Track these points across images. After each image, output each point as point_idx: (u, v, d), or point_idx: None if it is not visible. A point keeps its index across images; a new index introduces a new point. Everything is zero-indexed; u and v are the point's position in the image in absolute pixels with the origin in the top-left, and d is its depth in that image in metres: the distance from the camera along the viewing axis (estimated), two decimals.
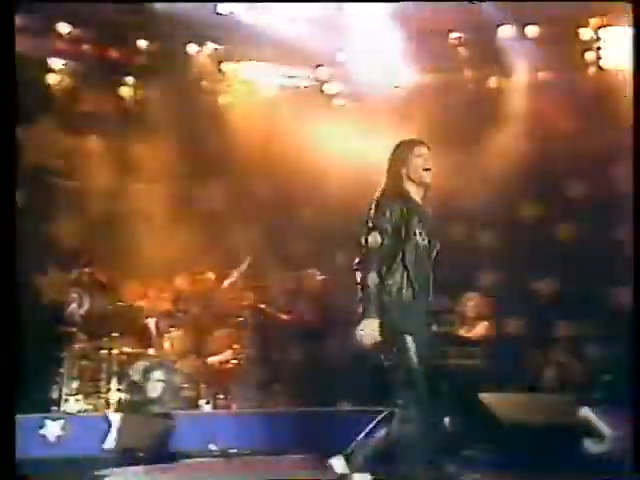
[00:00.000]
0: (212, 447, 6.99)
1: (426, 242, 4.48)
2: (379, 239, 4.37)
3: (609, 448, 7.55)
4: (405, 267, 4.37)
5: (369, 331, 4.23)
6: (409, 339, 4.28)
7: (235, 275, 8.04)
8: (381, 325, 4.31)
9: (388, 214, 4.38)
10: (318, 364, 8.16)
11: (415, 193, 4.49)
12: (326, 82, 9.75)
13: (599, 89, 9.74)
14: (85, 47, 8.76)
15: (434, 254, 4.52)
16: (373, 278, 4.24)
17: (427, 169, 4.46)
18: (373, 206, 4.43)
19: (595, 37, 9.68)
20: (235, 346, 7.70)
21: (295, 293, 8.36)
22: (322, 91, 9.73)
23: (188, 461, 6.82)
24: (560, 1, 8.70)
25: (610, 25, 9.60)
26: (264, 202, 9.22)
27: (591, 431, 7.63)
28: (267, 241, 9.05)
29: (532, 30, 9.64)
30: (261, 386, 7.61)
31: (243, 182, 9.05)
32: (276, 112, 9.58)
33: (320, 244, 9.29)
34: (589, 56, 9.77)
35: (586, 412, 7.65)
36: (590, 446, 7.49)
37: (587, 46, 9.71)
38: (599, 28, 9.65)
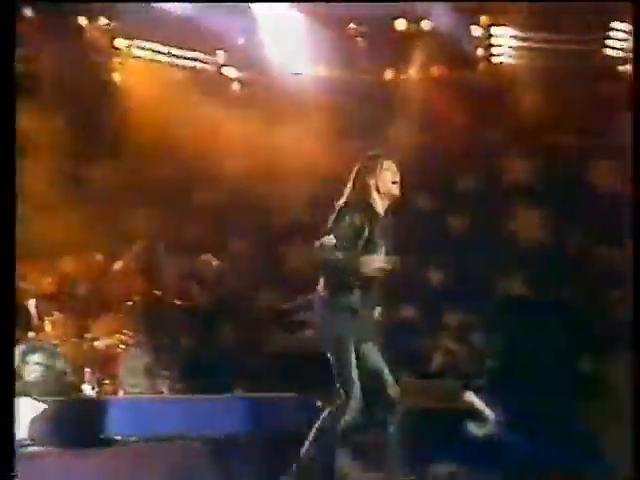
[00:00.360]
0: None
1: (380, 247, 4.65)
2: (333, 242, 4.49)
3: (492, 431, 7.86)
4: (360, 278, 4.54)
5: None
6: (351, 344, 4.57)
7: (126, 258, 7.93)
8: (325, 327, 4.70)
9: (348, 222, 4.51)
10: (211, 350, 8.11)
11: (380, 205, 4.64)
12: (225, 66, 9.74)
13: (489, 84, 10.04)
14: None
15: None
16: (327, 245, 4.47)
17: (395, 182, 4.60)
18: (336, 213, 4.57)
19: (486, 34, 9.97)
20: (124, 331, 7.52)
21: (189, 278, 8.28)
22: (221, 74, 9.70)
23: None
24: (559, 1, 8.90)
25: (501, 24, 9.95)
26: (159, 184, 9.09)
27: (475, 415, 7.87)
28: (161, 225, 8.97)
29: (427, 24, 9.81)
30: (149, 372, 7.41)
31: (137, 163, 8.93)
32: (172, 93, 9.47)
33: (216, 229, 9.24)
34: (480, 52, 10.07)
35: (470, 396, 7.90)
36: (474, 429, 7.76)
37: (479, 42, 10.01)
38: (490, 26, 9.96)
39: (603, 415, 8.55)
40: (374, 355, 4.76)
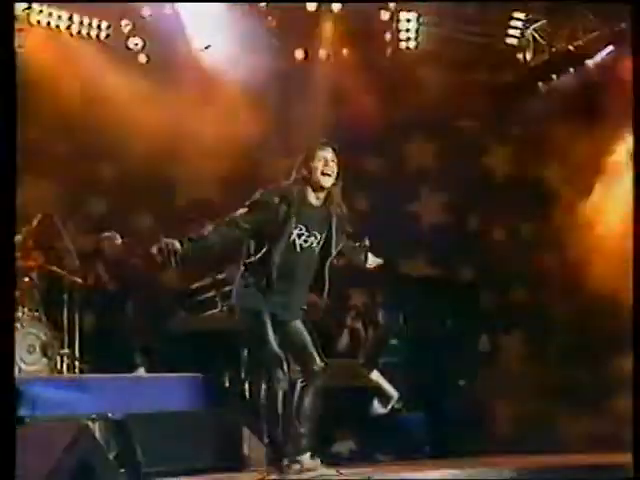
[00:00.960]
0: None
1: (312, 241, 4.75)
2: (241, 217, 4.61)
3: (395, 408, 8.09)
4: (270, 263, 4.63)
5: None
6: (268, 327, 4.67)
7: (23, 233, 7.56)
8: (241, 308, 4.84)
9: (267, 209, 4.62)
10: (114, 326, 7.98)
11: (314, 197, 4.74)
12: (130, 37, 9.32)
13: (396, 68, 10.04)
14: None
15: (326, 252, 4.81)
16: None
17: (326, 174, 4.66)
18: (257, 193, 4.66)
19: (395, 19, 9.88)
20: (22, 308, 7.32)
21: (91, 255, 8.13)
22: (127, 46, 9.33)
23: None
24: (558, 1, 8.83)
25: (409, 10, 9.86)
26: (59, 157, 8.78)
27: (380, 393, 8.01)
28: (62, 199, 8.72)
29: (337, 6, 9.67)
30: (47, 350, 7.30)
31: (36, 133, 8.45)
32: (75, 62, 9.16)
33: (120, 205, 9.03)
34: (388, 36, 10.00)
35: (375, 375, 8.07)
36: (379, 408, 7.97)
37: (387, 26, 9.93)
38: (399, 11, 9.87)
39: (499, 392, 8.95)
40: (300, 333, 4.83)
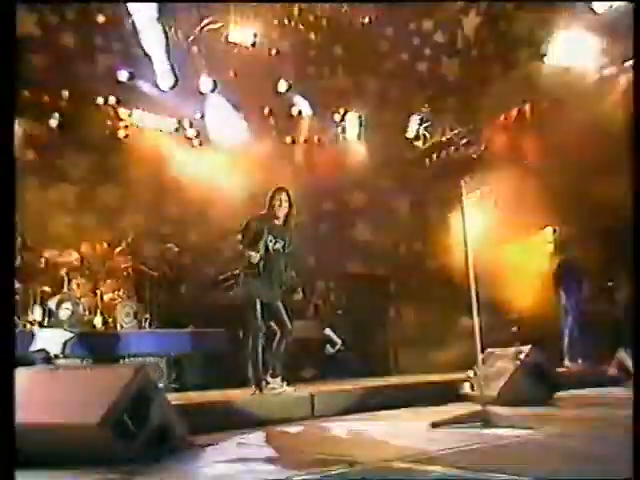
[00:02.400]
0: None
1: (278, 245, 4.85)
2: (241, 238, 4.78)
3: (340, 349, 8.10)
4: (264, 258, 4.73)
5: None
6: (257, 303, 4.75)
7: (123, 245, 7.71)
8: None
9: (253, 227, 4.78)
10: (175, 301, 7.92)
11: (278, 220, 4.88)
12: (188, 129, 9.39)
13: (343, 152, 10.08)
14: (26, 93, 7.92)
15: (286, 251, 4.90)
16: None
17: (282, 207, 4.86)
18: (245, 222, 4.82)
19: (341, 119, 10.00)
20: (121, 290, 7.43)
21: (160, 258, 8.06)
22: (186, 136, 9.39)
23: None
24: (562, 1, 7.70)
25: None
26: (144, 200, 8.63)
27: (330, 341, 8.07)
28: (144, 225, 8.49)
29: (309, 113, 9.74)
30: (135, 315, 7.31)
31: (131, 186, 8.46)
32: (156, 144, 9.09)
33: (177, 230, 8.81)
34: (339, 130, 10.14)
35: (328, 331, 8.15)
36: (330, 350, 8.03)
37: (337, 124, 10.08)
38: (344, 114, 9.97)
39: (399, 341, 8.84)
40: (280, 307, 4.93)
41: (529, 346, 4.78)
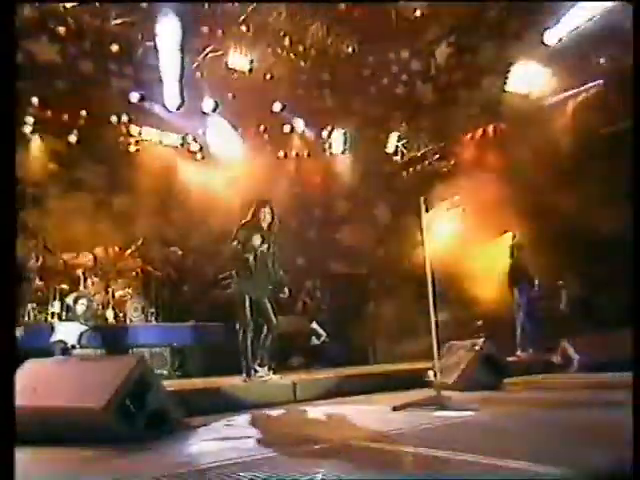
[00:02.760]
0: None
1: (264, 248, 4.87)
2: (235, 244, 4.78)
3: (325, 341, 8.21)
4: (248, 259, 4.77)
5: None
6: (246, 301, 4.78)
7: (132, 248, 7.75)
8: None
9: (243, 233, 4.79)
10: (178, 297, 7.87)
11: (264, 224, 4.89)
12: (190, 143, 9.46)
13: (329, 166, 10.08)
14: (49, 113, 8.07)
15: (271, 251, 4.91)
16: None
17: (265, 216, 4.89)
18: (237, 228, 4.85)
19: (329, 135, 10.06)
20: (130, 288, 7.47)
21: (165, 261, 8.08)
22: (189, 150, 9.45)
23: None
24: (563, 1, 7.24)
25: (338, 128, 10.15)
26: (152, 208, 8.52)
27: (316, 333, 8.18)
28: (152, 230, 8.44)
29: (301, 128, 9.81)
30: (143, 310, 7.38)
31: (140, 195, 8.42)
32: (163, 158, 9.18)
33: (182, 235, 8.68)
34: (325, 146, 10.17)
35: (314, 325, 8.27)
36: (315, 341, 8.17)
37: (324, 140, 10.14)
38: (331, 131, 10.03)
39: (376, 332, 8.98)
40: (267, 305, 4.91)
41: (482, 339, 4.91)
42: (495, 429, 2.88)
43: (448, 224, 8.85)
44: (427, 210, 4.11)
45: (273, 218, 4.97)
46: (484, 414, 3.33)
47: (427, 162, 9.93)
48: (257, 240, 4.81)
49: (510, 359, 6.17)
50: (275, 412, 3.85)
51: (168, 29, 7.38)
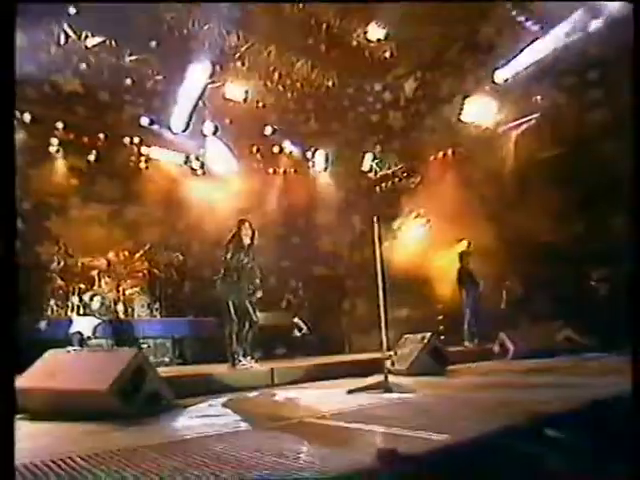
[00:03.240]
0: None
1: (246, 261, 5.09)
2: (228, 256, 5.00)
3: (305, 333, 8.39)
4: (235, 269, 5.01)
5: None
6: (230, 302, 5.00)
7: (140, 253, 7.93)
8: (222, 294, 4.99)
9: (230, 247, 5.05)
10: (179, 296, 8.02)
11: (244, 242, 5.12)
12: (192, 162, 9.47)
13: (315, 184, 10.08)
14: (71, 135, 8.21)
15: (252, 262, 5.10)
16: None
17: (246, 234, 5.11)
18: (226, 243, 5.08)
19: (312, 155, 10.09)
20: (138, 287, 7.66)
21: (168, 264, 8.26)
22: (191, 167, 9.47)
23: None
24: (563, 1, 6.86)
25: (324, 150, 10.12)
26: (158, 217, 8.61)
27: (298, 326, 8.32)
28: (159, 237, 8.54)
29: (290, 149, 9.92)
30: (149, 306, 7.57)
31: (148, 206, 8.52)
32: (167, 172, 9.19)
33: (182, 241, 8.75)
34: (310, 164, 10.15)
35: (296, 319, 8.42)
36: (297, 333, 8.28)
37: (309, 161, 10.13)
38: (316, 150, 10.05)
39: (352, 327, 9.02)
40: (248, 305, 5.11)
41: (430, 333, 5.22)
42: (422, 407, 3.16)
43: (415, 232, 9.28)
44: (379, 226, 4.37)
45: (253, 234, 5.16)
46: (419, 396, 3.61)
47: (397, 179, 10.15)
48: (240, 254, 5.03)
49: (457, 349, 6.45)
50: (252, 395, 4.07)
51: (193, 69, 7.63)
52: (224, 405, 3.58)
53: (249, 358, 5.08)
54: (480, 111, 8.40)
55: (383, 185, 10.29)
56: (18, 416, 3.02)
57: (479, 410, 2.95)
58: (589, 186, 6.71)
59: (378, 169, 10.29)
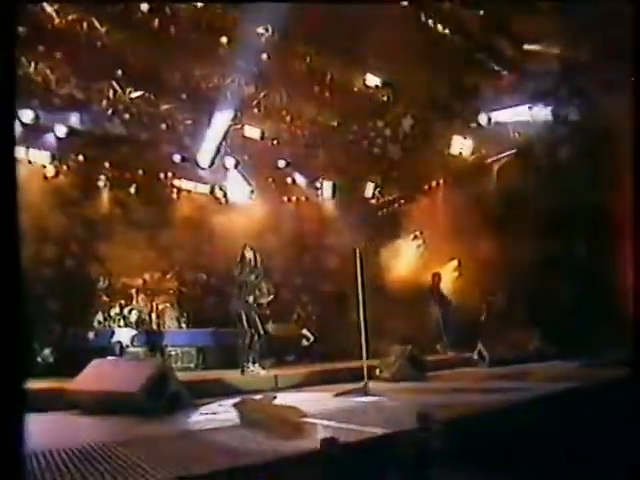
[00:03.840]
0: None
1: (251, 277, 5.55)
2: (236, 274, 5.46)
3: (313, 343, 8.53)
4: (243, 285, 5.50)
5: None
6: (242, 315, 5.45)
7: (171, 273, 8.43)
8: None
9: (238, 267, 5.50)
10: (203, 310, 8.36)
11: (251, 261, 5.59)
12: (216, 192, 9.88)
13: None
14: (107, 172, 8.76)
15: (259, 280, 5.55)
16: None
17: (249, 255, 5.59)
18: (238, 260, 5.51)
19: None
20: (168, 303, 8.12)
21: (194, 282, 8.70)
22: (215, 197, 9.88)
23: None
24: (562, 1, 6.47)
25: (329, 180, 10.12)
26: (187, 241, 8.78)
27: (306, 337, 8.50)
28: (187, 258, 8.84)
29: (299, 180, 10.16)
30: (178, 319, 7.97)
31: (178, 232, 8.81)
32: (194, 201, 9.65)
33: (206, 264, 8.88)
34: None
35: (305, 330, 8.63)
36: (305, 343, 8.53)
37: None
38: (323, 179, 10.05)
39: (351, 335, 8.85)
40: (257, 318, 5.59)
41: (410, 345, 5.65)
42: (380, 408, 3.61)
43: (412, 251, 9.68)
44: (361, 257, 4.81)
45: (255, 256, 5.61)
46: (390, 399, 4.06)
47: (396, 205, 10.56)
48: (246, 272, 5.49)
49: (440, 357, 6.77)
50: (256, 397, 4.52)
51: (217, 115, 8.18)
52: (230, 405, 4.10)
53: (257, 365, 5.51)
54: (466, 146, 8.82)
55: (384, 210, 10.73)
56: (72, 412, 3.60)
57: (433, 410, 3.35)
58: (560, 212, 7.01)
59: (379, 196, 10.70)
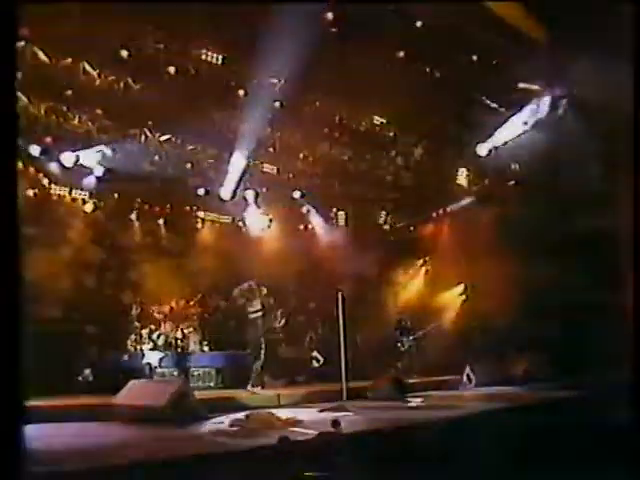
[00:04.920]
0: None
1: (259, 307, 6.48)
2: (242, 301, 6.23)
3: (322, 364, 9.10)
4: (251, 313, 6.29)
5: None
6: (250, 339, 6.31)
7: (194, 301, 9.10)
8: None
9: (245, 297, 6.16)
10: (222, 334, 9.00)
11: (255, 291, 6.47)
12: (238, 220, 10.57)
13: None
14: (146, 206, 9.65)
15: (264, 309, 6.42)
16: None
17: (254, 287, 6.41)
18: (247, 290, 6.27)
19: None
20: (192, 327, 8.90)
21: (215, 309, 9.37)
22: (236, 227, 10.57)
23: None
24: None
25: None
26: (209, 269, 9.23)
27: (316, 359, 9.18)
28: (209, 285, 9.40)
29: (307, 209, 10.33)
30: (201, 343, 8.80)
31: (202, 260, 9.30)
32: (218, 232, 10.38)
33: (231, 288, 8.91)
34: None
35: (315, 353, 9.41)
36: (315, 364, 9.23)
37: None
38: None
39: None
40: (263, 342, 6.36)
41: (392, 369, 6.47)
42: (355, 423, 4.51)
43: (420, 276, 10.47)
44: (343, 300, 5.74)
45: (258, 286, 6.42)
46: (356, 414, 4.93)
47: (408, 231, 11.34)
48: (252, 301, 6.29)
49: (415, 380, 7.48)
50: (258, 412, 5.49)
51: (237, 154, 9.19)
52: (236, 417, 5.16)
53: (257, 387, 6.38)
54: (468, 176, 9.64)
55: (396, 236, 11.49)
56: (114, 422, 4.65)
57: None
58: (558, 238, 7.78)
59: (391, 222, 11.54)
